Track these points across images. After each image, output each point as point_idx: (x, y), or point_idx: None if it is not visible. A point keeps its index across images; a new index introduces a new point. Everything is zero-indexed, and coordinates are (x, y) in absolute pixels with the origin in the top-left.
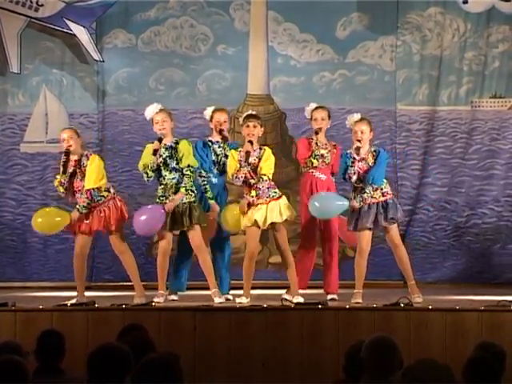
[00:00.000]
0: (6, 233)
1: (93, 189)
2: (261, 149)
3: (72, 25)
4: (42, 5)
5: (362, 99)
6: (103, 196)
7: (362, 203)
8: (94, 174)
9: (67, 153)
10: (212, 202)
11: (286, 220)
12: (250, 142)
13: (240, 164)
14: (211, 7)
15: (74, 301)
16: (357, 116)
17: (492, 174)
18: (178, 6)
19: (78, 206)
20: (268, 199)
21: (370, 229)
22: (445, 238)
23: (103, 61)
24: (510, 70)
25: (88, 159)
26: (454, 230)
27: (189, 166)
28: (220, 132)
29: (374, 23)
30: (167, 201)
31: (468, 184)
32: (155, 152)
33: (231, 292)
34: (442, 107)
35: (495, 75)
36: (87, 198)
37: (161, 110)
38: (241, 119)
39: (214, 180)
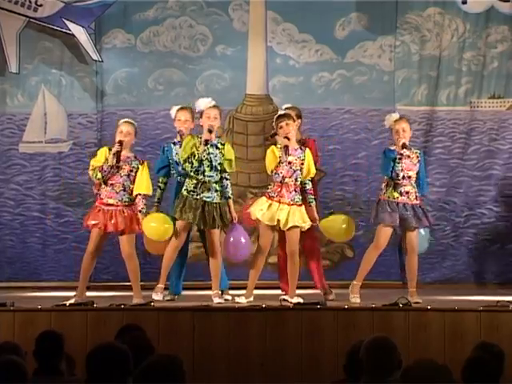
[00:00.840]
0: (4, 233)
1: (140, 194)
2: (301, 149)
3: (71, 25)
4: (41, 5)
5: (360, 99)
6: (131, 199)
7: (395, 198)
8: (148, 181)
9: (121, 144)
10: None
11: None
12: (287, 137)
13: (280, 160)
14: (210, 7)
15: (72, 300)
16: (395, 115)
17: (491, 175)
18: (177, 6)
19: (142, 210)
20: (292, 202)
21: (392, 226)
22: (443, 239)
23: (102, 61)
24: (509, 71)
25: (139, 163)
26: (453, 231)
27: (231, 172)
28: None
29: (372, 23)
30: (198, 197)
31: (467, 184)
32: (206, 142)
33: (230, 292)
34: (440, 107)
35: (494, 75)
36: (129, 198)
37: (215, 106)
38: (273, 122)
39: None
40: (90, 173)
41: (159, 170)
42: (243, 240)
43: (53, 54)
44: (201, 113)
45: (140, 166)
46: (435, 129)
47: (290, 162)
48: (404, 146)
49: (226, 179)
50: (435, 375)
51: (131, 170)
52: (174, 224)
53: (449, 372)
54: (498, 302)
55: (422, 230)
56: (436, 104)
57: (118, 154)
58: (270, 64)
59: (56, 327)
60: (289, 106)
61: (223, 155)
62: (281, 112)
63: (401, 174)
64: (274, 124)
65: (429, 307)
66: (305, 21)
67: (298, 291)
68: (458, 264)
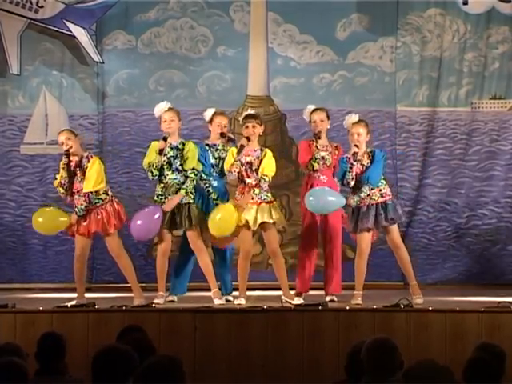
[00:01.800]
0: (5, 234)
1: (91, 192)
2: (261, 150)
3: (72, 26)
4: (42, 6)
5: (361, 100)
6: (101, 199)
7: (358, 203)
8: (93, 178)
9: (67, 155)
10: (218, 202)
11: (274, 223)
12: (248, 138)
13: (235, 160)
14: (211, 8)
15: (73, 302)
16: (354, 117)
17: (492, 175)
18: (178, 8)
19: (75, 209)
20: (259, 201)
21: (369, 230)
22: (445, 239)
23: (103, 62)
24: (510, 71)
25: (89, 161)
26: (454, 231)
27: (193, 168)
28: (221, 135)
29: (373, 24)
30: (166, 200)
31: (468, 185)
32: (161, 151)
33: (233, 293)
34: (441, 108)
35: (495, 76)
36: (85, 200)
37: (170, 109)
38: (240, 119)
39: (214, 183)
40: (57, 190)
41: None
42: (139, 222)
43: (54, 55)
44: (159, 118)
45: (88, 164)
46: (436, 130)
47: (248, 162)
48: (354, 156)
49: (187, 177)
50: (437, 376)
51: (84, 172)
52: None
53: (450, 373)
54: (499, 302)
55: (311, 197)
56: (437, 105)
57: (67, 166)
58: (270, 65)
59: (57, 328)
60: (316, 107)
61: (183, 155)
62: (250, 112)
63: (352, 182)
64: (240, 120)
65: (430, 308)
66: (306, 22)
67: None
68: (459, 265)
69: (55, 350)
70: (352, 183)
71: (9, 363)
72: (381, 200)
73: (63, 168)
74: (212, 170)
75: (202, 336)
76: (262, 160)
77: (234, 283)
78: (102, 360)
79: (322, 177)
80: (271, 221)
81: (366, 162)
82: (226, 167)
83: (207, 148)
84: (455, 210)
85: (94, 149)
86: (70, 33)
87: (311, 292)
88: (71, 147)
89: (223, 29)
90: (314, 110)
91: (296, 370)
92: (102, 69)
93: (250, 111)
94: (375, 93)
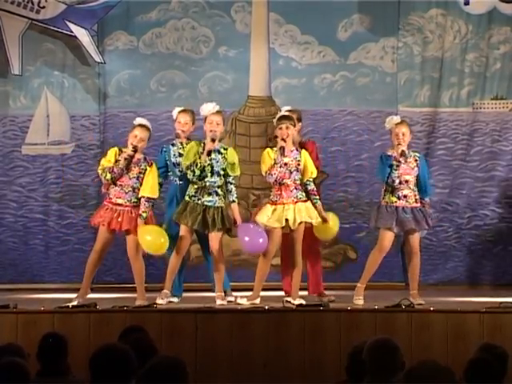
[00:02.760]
0: (7, 235)
1: (143, 197)
2: (298, 150)
3: (73, 27)
4: (44, 7)
5: (363, 101)
6: (138, 200)
7: (394, 202)
8: (155, 184)
9: (135, 150)
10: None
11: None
12: (284, 140)
13: (275, 161)
14: (212, 9)
15: (75, 302)
16: (397, 118)
17: (493, 176)
18: (180, 8)
19: (143, 214)
20: (295, 199)
21: (398, 231)
22: (446, 240)
23: (104, 63)
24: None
25: (149, 165)
26: (456, 232)
27: (235, 176)
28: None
29: (375, 25)
30: (199, 201)
31: (469, 185)
32: (209, 153)
33: (234, 293)
34: (443, 109)
35: (496, 77)
36: (134, 201)
37: (218, 112)
38: (274, 121)
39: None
40: (99, 172)
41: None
42: (258, 238)
43: (55, 55)
44: (204, 118)
45: (148, 168)
46: (438, 130)
47: (285, 164)
48: (402, 154)
49: (231, 183)
50: (438, 376)
51: (140, 172)
52: (170, 236)
53: (451, 373)
54: (500, 303)
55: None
56: (438, 105)
57: (130, 159)
58: (272, 66)
59: (59, 329)
60: (289, 108)
61: (226, 160)
62: (283, 113)
63: (397, 180)
64: (274, 123)
65: (431, 308)
66: (307, 22)
67: (301, 293)
68: (460, 265)
69: (57, 350)
70: (397, 181)
71: (10, 364)
72: (414, 205)
73: (125, 158)
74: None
75: (204, 336)
76: (299, 161)
77: (235, 284)
78: (99, 360)
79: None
80: (310, 220)
81: (413, 164)
82: (265, 169)
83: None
84: (457, 210)
85: (96, 149)
86: (71, 33)
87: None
88: (142, 146)
89: (225, 29)
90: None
91: (297, 370)
92: (104, 69)
93: (284, 112)
94: (377, 93)
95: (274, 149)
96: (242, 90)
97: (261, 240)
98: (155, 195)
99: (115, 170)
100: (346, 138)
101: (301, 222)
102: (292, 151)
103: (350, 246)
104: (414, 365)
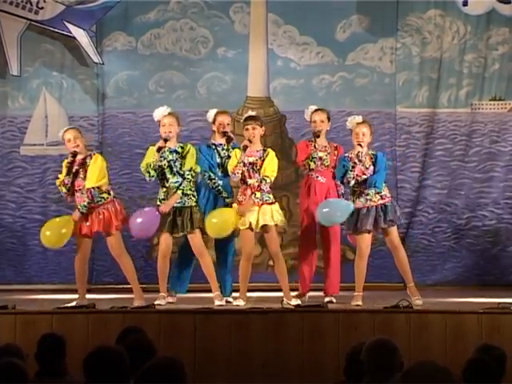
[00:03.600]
0: (5, 235)
1: (93, 188)
2: (264, 150)
3: (72, 27)
4: (42, 8)
5: (361, 102)
6: (103, 197)
7: (364, 204)
8: (95, 173)
9: (75, 154)
10: (229, 200)
11: (276, 225)
12: (249, 141)
13: (238, 161)
14: (211, 10)
15: (74, 303)
16: (358, 118)
17: (492, 177)
18: (178, 9)
19: (78, 206)
20: (261, 202)
21: (369, 231)
22: (445, 241)
23: (103, 63)
24: (510, 73)
25: (90, 158)
26: (454, 233)
27: (190, 169)
28: (224, 134)
29: (373, 25)
30: None
31: (468, 186)
32: (159, 149)
33: (232, 294)
34: (441, 109)
35: (495, 77)
36: (87, 197)
37: (169, 114)
38: (241, 122)
39: (219, 182)
40: (59, 189)
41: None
42: (139, 220)
43: (54, 56)
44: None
45: (90, 162)
46: (436, 131)
47: (250, 163)
48: (358, 156)
49: (184, 178)
50: (436, 376)
51: (86, 170)
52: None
53: (449, 373)
54: (499, 304)
55: (322, 213)
56: (437, 106)
57: (71, 166)
58: (270, 66)
59: (57, 330)
60: (316, 107)
61: (183, 158)
62: (250, 114)
63: (352, 182)
64: (241, 123)
65: (430, 309)
66: (306, 23)
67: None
68: (459, 266)
69: (55, 351)
70: (352, 182)
71: (8, 364)
72: (380, 202)
73: (66, 166)
74: (217, 169)
75: (202, 337)
76: (263, 160)
77: (234, 284)
78: (93, 361)
79: (320, 177)
80: (273, 223)
81: (368, 163)
82: (230, 169)
83: (213, 147)
84: (455, 211)
85: (94, 150)
86: (70, 34)
87: (311, 293)
88: (78, 146)
89: (223, 30)
90: (316, 111)
91: (296, 370)
92: (102, 70)
93: (250, 113)
94: (375, 94)
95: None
96: (241, 90)
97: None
98: (101, 183)
99: (66, 181)
100: (344, 139)
101: (265, 225)
102: (258, 151)
103: (349, 247)
104: (412, 365)
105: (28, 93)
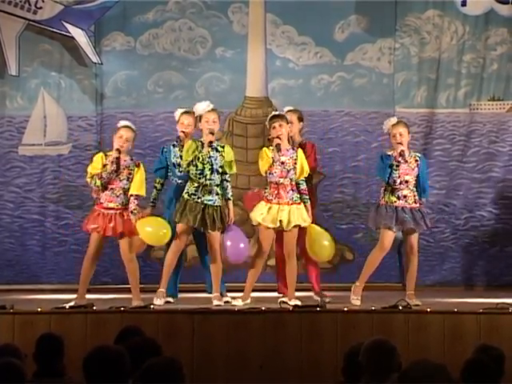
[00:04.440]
0: (4, 235)
1: (131, 195)
2: (293, 149)
3: (70, 27)
4: (41, 7)
5: (360, 102)
6: (128, 202)
7: (393, 202)
8: (142, 183)
9: (119, 152)
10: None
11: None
12: (278, 138)
13: (273, 160)
14: (210, 10)
15: (72, 303)
16: (393, 119)
17: (490, 177)
18: (177, 9)
19: (134, 211)
20: (291, 202)
21: (394, 231)
22: (443, 241)
23: (102, 63)
24: (509, 73)
25: (136, 166)
26: (453, 233)
27: (232, 173)
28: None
29: (372, 26)
30: (198, 200)
31: (466, 186)
32: (211, 143)
33: (230, 294)
34: (440, 110)
35: (493, 78)
36: (134, 202)
37: (213, 110)
38: (267, 122)
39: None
40: (88, 180)
41: (157, 171)
42: (242, 244)
43: (52, 56)
44: (200, 117)
45: (136, 168)
46: (435, 131)
47: (283, 162)
48: (401, 154)
49: (227, 181)
50: (432, 374)
51: (130, 174)
52: (172, 228)
53: (445, 371)
54: (497, 304)
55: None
56: (435, 106)
57: (117, 162)
58: (269, 66)
59: (56, 330)
60: (290, 108)
61: (223, 158)
62: (274, 113)
63: (398, 180)
64: (267, 124)
65: (428, 309)
66: (304, 23)
67: (297, 293)
68: (457, 266)
69: (53, 351)
70: (397, 181)
71: (6, 364)
72: (414, 206)
73: (112, 162)
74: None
75: (200, 337)
76: (296, 160)
77: (233, 284)
78: (92, 361)
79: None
80: (303, 224)
81: (413, 165)
82: (265, 168)
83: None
84: (453, 211)
85: (93, 150)
86: (68, 34)
87: (309, 293)
88: (127, 147)
89: (222, 30)
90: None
91: (294, 371)
92: (101, 70)
93: (275, 112)
94: (373, 94)
95: (271, 147)
96: (239, 90)
97: (242, 245)
98: (143, 193)
99: (104, 175)
100: (342, 139)
101: (294, 225)
102: (288, 150)
103: (347, 247)
104: (407, 365)
105: (26, 93)
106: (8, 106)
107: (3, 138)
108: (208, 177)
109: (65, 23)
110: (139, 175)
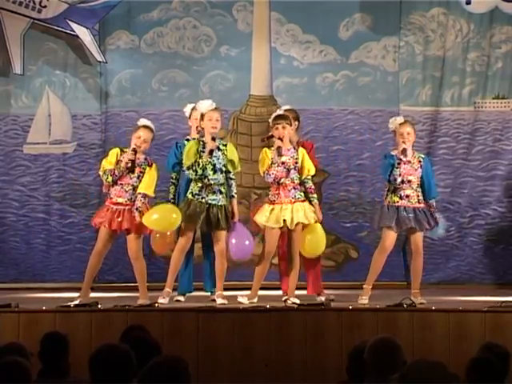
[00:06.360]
0: (9, 234)
1: (139, 193)
2: (295, 148)
3: (75, 26)
4: (45, 6)
5: (364, 100)
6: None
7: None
8: (152, 183)
9: (135, 152)
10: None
11: (307, 224)
12: (280, 139)
13: (272, 161)
14: (214, 8)
15: (76, 301)
16: (400, 119)
17: (495, 175)
18: (181, 7)
19: (139, 208)
20: (293, 200)
21: (394, 230)
22: (448, 239)
23: (106, 62)
24: None
25: (149, 165)
26: (457, 231)
27: (236, 171)
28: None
29: (376, 24)
30: (202, 200)
31: (471, 185)
32: (211, 152)
33: (235, 293)
34: (444, 108)
35: (498, 76)
36: (140, 200)
37: (216, 108)
38: (270, 121)
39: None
40: (100, 173)
41: (173, 166)
42: (247, 241)
43: (57, 55)
44: (202, 115)
45: (148, 168)
46: (439, 129)
47: (283, 163)
48: (403, 153)
49: (231, 179)
50: (431, 372)
51: (141, 172)
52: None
53: (444, 369)
54: (502, 302)
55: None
56: (440, 104)
57: (132, 163)
58: (274, 65)
59: (60, 328)
60: (287, 107)
61: (226, 156)
62: (279, 113)
63: (399, 179)
64: (270, 122)
65: (433, 308)
66: (309, 22)
67: (299, 292)
68: (462, 264)
69: (58, 349)
70: (399, 180)
71: (12, 363)
72: (417, 205)
73: (127, 163)
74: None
75: (205, 335)
76: (297, 159)
77: (236, 283)
78: (98, 360)
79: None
80: (307, 221)
81: (416, 165)
82: (263, 169)
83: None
84: (458, 209)
85: (97, 148)
86: (73, 33)
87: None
88: (145, 148)
89: (226, 28)
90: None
91: (299, 369)
92: (105, 68)
93: (279, 112)
94: (378, 92)
95: (272, 148)
96: (244, 89)
97: (247, 242)
98: (151, 194)
99: (116, 172)
100: (347, 138)
101: (298, 223)
102: (289, 150)
103: (352, 245)
104: (407, 366)
105: (31, 91)
106: (13, 104)
107: (8, 137)
108: (211, 177)
109: (69, 22)
110: (150, 175)
